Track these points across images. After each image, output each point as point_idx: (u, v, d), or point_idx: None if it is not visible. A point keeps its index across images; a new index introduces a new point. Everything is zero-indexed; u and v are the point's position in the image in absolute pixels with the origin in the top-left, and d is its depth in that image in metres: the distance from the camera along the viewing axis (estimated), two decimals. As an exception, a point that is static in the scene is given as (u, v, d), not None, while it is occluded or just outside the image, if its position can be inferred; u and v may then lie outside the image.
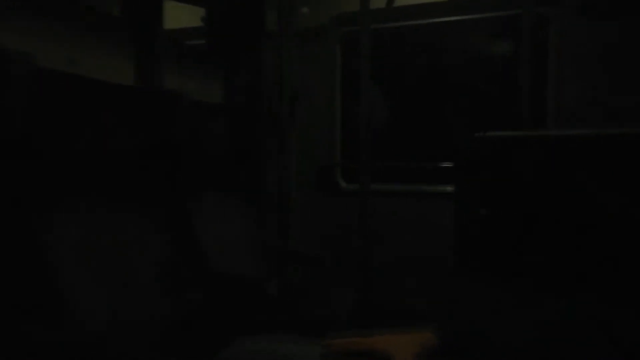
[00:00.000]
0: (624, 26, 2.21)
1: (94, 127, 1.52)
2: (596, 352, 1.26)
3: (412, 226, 2.58)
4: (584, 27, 2.29)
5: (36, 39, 1.48)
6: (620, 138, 1.48)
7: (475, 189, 1.64)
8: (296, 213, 2.76)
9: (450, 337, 1.28)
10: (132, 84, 1.85)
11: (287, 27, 2.61)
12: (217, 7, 2.49)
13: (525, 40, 2.14)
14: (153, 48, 1.88)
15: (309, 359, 1.27)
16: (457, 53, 2.80)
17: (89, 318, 1.30)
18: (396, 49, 2.85)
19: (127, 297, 1.44)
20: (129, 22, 1.87)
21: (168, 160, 1.77)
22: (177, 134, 1.81)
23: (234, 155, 2.34)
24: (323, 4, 2.77)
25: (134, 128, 1.67)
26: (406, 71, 2.91)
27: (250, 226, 2.26)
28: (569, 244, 1.50)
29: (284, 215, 2.61)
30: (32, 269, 1.24)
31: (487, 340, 1.42)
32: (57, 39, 1.56)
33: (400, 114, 2.96)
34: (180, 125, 1.82)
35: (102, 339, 1.32)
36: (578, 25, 2.30)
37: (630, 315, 1.36)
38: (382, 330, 1.14)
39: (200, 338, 1.64)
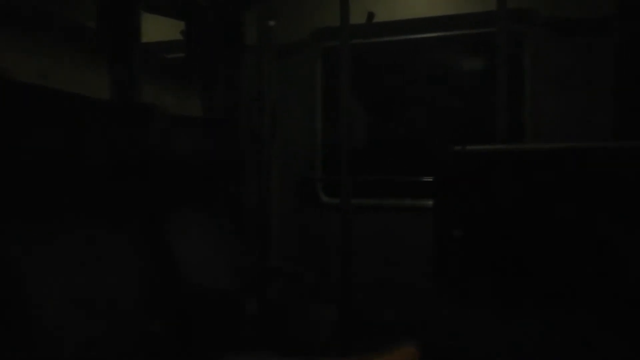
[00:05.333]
0: (596, 43, 2.28)
1: (67, 142, 1.48)
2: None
3: (393, 241, 2.58)
4: (558, 43, 2.36)
5: (7, 50, 1.44)
6: (597, 152, 1.51)
7: (453, 203, 1.64)
8: (276, 228, 2.73)
9: (432, 354, 1.27)
10: (107, 98, 1.81)
11: (266, 41, 2.61)
12: (196, 21, 2.48)
13: (501, 56, 2.18)
14: (129, 61, 1.85)
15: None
16: (435, 68, 2.85)
17: (60, 338, 1.25)
18: (376, 64, 2.88)
19: (101, 316, 1.39)
20: (105, 34, 1.84)
21: (143, 176, 1.73)
22: (153, 148, 1.77)
23: (213, 170, 2.31)
24: (303, 18, 2.78)
25: (109, 143, 1.63)
26: (386, 86, 2.94)
27: (229, 242, 2.22)
28: (547, 259, 1.51)
29: (263, 231, 2.58)
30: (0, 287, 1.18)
31: (467, 357, 1.42)
32: (30, 50, 1.52)
33: (381, 128, 2.98)
34: (157, 140, 1.78)
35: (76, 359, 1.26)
36: (552, 42, 2.37)
37: (609, 331, 1.37)
38: (366, 353, 1.12)
39: (179, 358, 1.59)
